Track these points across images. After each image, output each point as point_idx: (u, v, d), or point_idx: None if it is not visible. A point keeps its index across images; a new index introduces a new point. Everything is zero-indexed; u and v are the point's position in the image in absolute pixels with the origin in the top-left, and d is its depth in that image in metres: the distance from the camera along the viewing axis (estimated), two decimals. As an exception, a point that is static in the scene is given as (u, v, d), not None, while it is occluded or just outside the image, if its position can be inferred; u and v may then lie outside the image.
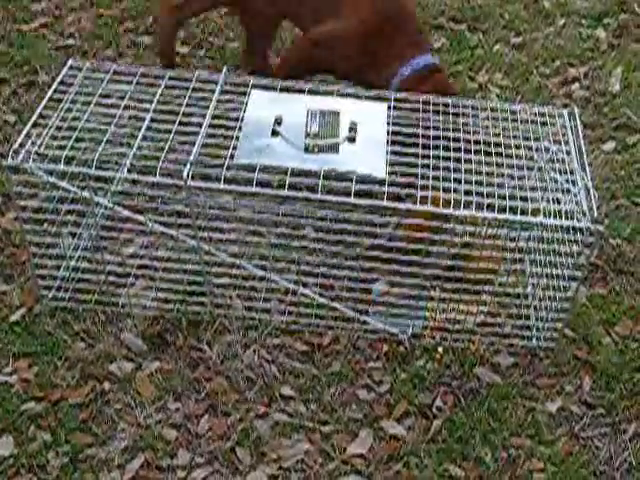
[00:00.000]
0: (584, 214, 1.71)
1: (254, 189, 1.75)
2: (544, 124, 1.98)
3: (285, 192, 1.74)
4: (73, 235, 2.08)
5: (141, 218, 1.95)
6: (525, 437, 1.81)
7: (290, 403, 1.86)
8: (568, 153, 1.89)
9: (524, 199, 1.76)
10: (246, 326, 2.00)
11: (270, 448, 1.77)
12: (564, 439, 1.81)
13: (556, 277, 1.89)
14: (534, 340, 1.98)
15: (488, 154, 1.87)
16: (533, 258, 2.09)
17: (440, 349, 1.96)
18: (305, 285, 2.04)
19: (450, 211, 1.73)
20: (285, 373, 1.92)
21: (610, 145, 2.60)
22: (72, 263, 2.05)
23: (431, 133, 1.92)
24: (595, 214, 1.72)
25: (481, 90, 2.79)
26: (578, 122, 1.98)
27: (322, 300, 2.00)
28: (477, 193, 1.75)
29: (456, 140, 1.90)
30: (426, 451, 1.77)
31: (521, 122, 2.00)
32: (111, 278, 2.02)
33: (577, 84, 2.86)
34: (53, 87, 1.98)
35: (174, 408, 1.85)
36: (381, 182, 1.76)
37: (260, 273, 2.01)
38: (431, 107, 1.99)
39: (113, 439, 1.79)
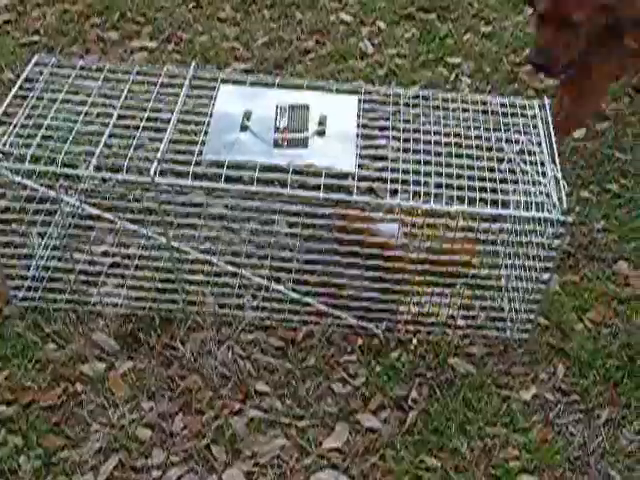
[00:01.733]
0: (554, 205, 1.71)
1: (223, 185, 1.73)
2: (514, 115, 1.98)
3: (254, 187, 1.73)
4: (42, 235, 2.05)
5: (110, 216, 1.92)
6: (500, 426, 1.81)
7: (265, 399, 1.85)
8: (539, 144, 1.89)
9: (494, 191, 1.76)
10: (219, 323, 1.99)
11: (246, 445, 1.76)
12: (539, 426, 1.82)
13: (529, 268, 1.90)
14: (508, 331, 1.98)
15: (458, 146, 1.87)
16: (506, 249, 2.09)
17: (414, 341, 1.96)
18: (278, 280, 2.03)
19: (421, 205, 1.73)
20: (260, 369, 1.91)
21: (580, 132, 2.61)
22: (42, 263, 2.03)
23: (401, 126, 1.91)
24: (565, 205, 1.72)
25: (452, 80, 2.79)
26: (548, 113, 1.98)
27: (295, 295, 1.99)
28: (447, 185, 1.75)
29: (426, 132, 1.90)
30: (402, 443, 1.77)
31: (492, 113, 1.99)
32: (82, 277, 1.99)
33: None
34: (18, 84, 1.95)
35: (148, 407, 1.83)
36: (350, 175, 1.75)
37: (232, 269, 1.99)
38: (401, 100, 1.99)
39: (86, 441, 1.77)
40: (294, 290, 2.00)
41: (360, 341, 1.97)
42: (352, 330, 1.99)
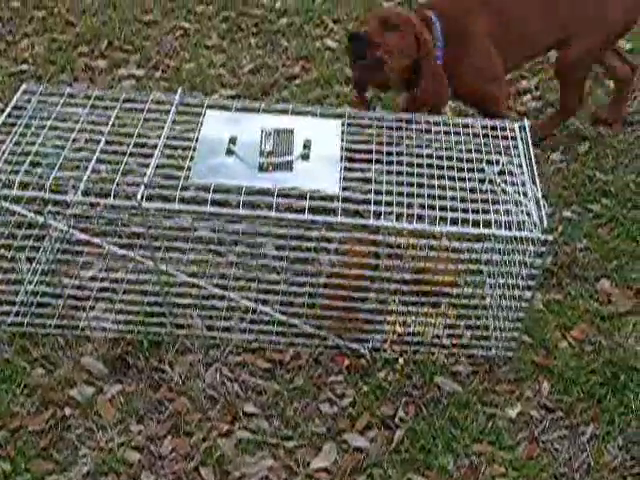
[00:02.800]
0: (534, 225, 1.75)
1: (209, 209, 1.76)
2: (495, 137, 2.02)
3: (240, 211, 1.76)
4: (31, 260, 2.07)
5: (97, 241, 1.95)
6: (486, 443, 1.83)
7: (253, 420, 1.87)
8: (519, 165, 1.93)
9: (476, 211, 1.79)
10: (207, 345, 2.00)
11: (234, 466, 1.77)
12: (524, 443, 1.84)
13: (512, 287, 1.93)
14: (493, 350, 2.01)
15: (441, 168, 1.91)
16: (489, 269, 2.12)
17: (401, 360, 1.98)
18: (266, 303, 2.05)
19: (405, 225, 1.76)
20: (247, 390, 1.93)
21: (561, 154, 2.66)
22: (30, 288, 2.04)
23: (384, 149, 1.95)
24: (545, 224, 1.75)
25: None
26: (529, 134, 2.02)
27: (282, 317, 2.01)
28: (430, 206, 1.78)
29: (409, 155, 1.93)
30: (389, 462, 1.79)
31: (473, 135, 2.04)
32: (70, 302, 2.01)
33: (529, 95, 2.92)
34: (6, 111, 1.98)
35: (136, 430, 1.84)
36: (334, 198, 1.78)
37: (220, 292, 2.01)
38: (384, 123, 2.03)
39: (75, 465, 1.77)
40: (281, 312, 2.02)
41: (347, 362, 1.99)
42: (339, 351, 2.01)
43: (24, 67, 2.94)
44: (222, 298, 2.04)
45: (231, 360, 1.98)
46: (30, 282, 2.05)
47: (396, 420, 1.87)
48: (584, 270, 2.26)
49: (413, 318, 2.02)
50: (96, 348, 1.99)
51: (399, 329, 2.02)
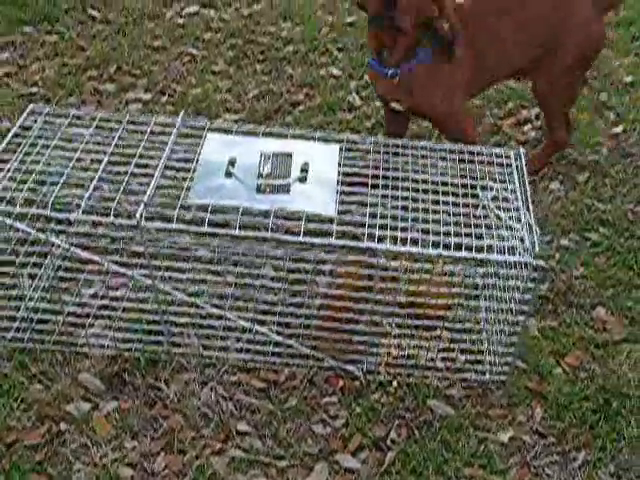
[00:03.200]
0: (527, 250, 1.77)
1: (206, 229, 1.80)
2: (491, 163, 2.05)
3: (237, 231, 1.79)
4: (32, 276, 2.11)
5: (97, 259, 1.98)
6: (478, 467, 1.84)
7: (246, 439, 1.88)
8: (513, 192, 1.96)
9: (470, 236, 1.82)
10: (204, 364, 2.03)
11: (226, 484, 1.79)
12: (516, 468, 1.85)
13: (506, 311, 1.95)
14: (487, 374, 2.02)
15: (436, 193, 1.94)
16: (483, 293, 2.14)
17: (395, 383, 2.00)
18: (262, 323, 2.08)
19: (400, 248, 1.78)
20: (242, 409, 1.94)
21: (560, 183, 2.68)
22: (31, 304, 2.07)
23: (381, 173, 1.98)
24: (537, 249, 1.78)
25: (436, 133, 2.88)
26: (523, 162, 2.05)
27: (278, 338, 2.03)
28: (425, 230, 1.81)
29: (405, 179, 1.97)
30: (380, 483, 1.80)
31: (469, 162, 2.07)
32: (70, 319, 2.04)
33: (529, 125, 2.96)
34: (13, 131, 2.02)
35: (130, 447, 1.86)
36: (330, 220, 1.81)
37: (217, 312, 2.04)
38: (382, 148, 2.06)
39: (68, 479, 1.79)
40: (278, 333, 2.05)
41: (341, 383, 2.00)
42: (334, 372, 2.02)
43: (34, 89, 3.00)
44: (219, 318, 2.06)
45: (226, 379, 2.00)
46: (31, 299, 2.08)
47: (388, 442, 1.88)
48: (580, 297, 2.28)
49: (408, 341, 2.04)
50: (94, 365, 2.01)
51: (394, 352, 2.04)
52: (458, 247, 1.79)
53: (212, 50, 3.30)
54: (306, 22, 3.48)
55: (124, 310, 2.07)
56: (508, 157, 2.04)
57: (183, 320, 2.05)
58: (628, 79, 3.19)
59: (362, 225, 1.83)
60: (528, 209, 1.89)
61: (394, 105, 2.38)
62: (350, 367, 2.01)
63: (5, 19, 3.38)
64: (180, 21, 3.48)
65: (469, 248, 1.78)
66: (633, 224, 2.53)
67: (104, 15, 3.48)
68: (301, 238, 1.78)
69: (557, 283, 2.31)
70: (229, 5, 3.62)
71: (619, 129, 2.94)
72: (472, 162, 2.05)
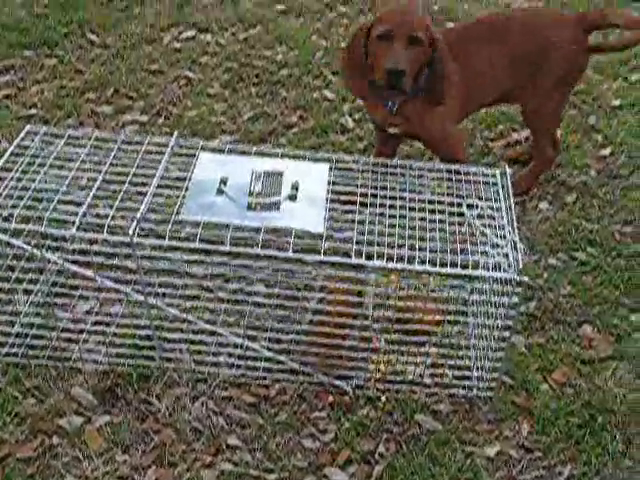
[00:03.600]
0: (510, 266, 1.81)
1: (198, 245, 1.84)
2: (477, 182, 2.10)
3: (228, 248, 1.83)
4: (27, 292, 2.14)
5: (90, 274, 2.02)
6: (464, 481, 1.87)
7: (236, 453, 1.91)
8: (498, 209, 2.01)
9: (455, 252, 1.86)
10: (195, 379, 2.06)
11: (215, 497, 1.81)
12: (502, 482, 1.88)
13: (493, 327, 1.98)
14: (474, 390, 2.05)
15: (422, 211, 1.98)
16: (470, 309, 2.18)
17: (383, 398, 2.03)
18: (254, 339, 2.11)
19: (387, 265, 1.82)
20: (232, 424, 1.97)
21: (549, 203, 2.73)
22: (26, 320, 2.11)
23: (369, 192, 2.03)
24: (520, 266, 1.82)
25: (428, 154, 2.93)
26: (509, 180, 2.10)
27: (269, 354, 2.06)
28: (411, 247, 1.85)
29: (393, 198, 2.01)
30: (368, 497, 1.82)
31: (457, 181, 2.11)
32: (63, 335, 2.07)
33: (519, 148, 3.01)
34: (10, 150, 2.07)
35: (122, 460, 1.89)
36: (320, 237, 1.85)
37: (209, 328, 2.07)
38: (371, 168, 2.11)
39: (60, 492, 1.82)
40: (268, 349, 2.08)
41: (331, 398, 2.03)
42: (323, 388, 2.05)
43: (33, 111, 3.05)
44: (211, 334, 2.09)
45: (217, 394, 2.03)
46: (26, 314, 2.12)
47: (376, 456, 1.91)
48: (567, 315, 2.31)
49: (397, 357, 2.07)
50: (86, 379, 2.04)
51: (383, 368, 2.07)
52: (444, 264, 1.82)
53: (208, 73, 3.36)
54: (300, 46, 3.55)
55: (117, 326, 2.10)
56: (494, 176, 2.09)
57: (175, 336, 2.08)
58: (616, 102, 3.25)
59: (351, 242, 1.87)
60: (513, 227, 1.93)
61: (391, 130, 2.43)
62: (339, 382, 2.04)
63: (5, 43, 3.44)
64: (177, 45, 3.55)
65: (455, 264, 1.82)
66: (620, 244, 2.57)
67: (103, 39, 3.55)
68: (291, 254, 1.82)
69: (544, 301, 2.34)
70: (225, 30, 3.68)
71: (607, 151, 2.99)
72: (459, 181, 2.09)
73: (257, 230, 1.88)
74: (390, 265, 1.82)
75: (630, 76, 3.46)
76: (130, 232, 1.81)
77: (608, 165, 2.93)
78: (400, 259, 1.83)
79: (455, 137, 2.48)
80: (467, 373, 2.07)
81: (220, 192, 1.95)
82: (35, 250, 1.90)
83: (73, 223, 1.87)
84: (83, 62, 3.38)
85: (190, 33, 3.64)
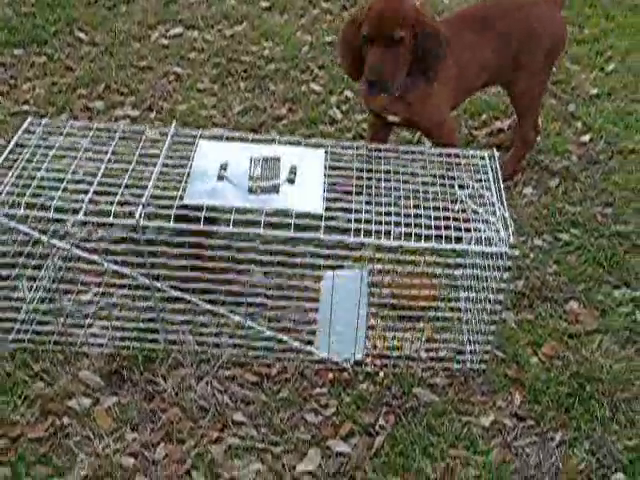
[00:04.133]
0: (501, 240, 1.90)
1: (202, 227, 1.90)
2: (467, 164, 2.18)
3: (231, 228, 1.90)
4: (34, 278, 2.19)
5: (96, 258, 2.07)
6: (461, 448, 1.94)
7: (242, 428, 1.98)
8: (488, 189, 2.09)
9: (448, 228, 1.94)
10: (199, 360, 2.12)
11: (224, 469, 1.88)
12: (497, 449, 1.96)
13: (484, 300, 2.07)
14: (468, 363, 2.13)
15: (417, 191, 2.07)
16: (462, 283, 2.27)
17: (381, 374, 2.11)
18: (254, 319, 2.18)
19: (384, 242, 1.90)
20: (237, 401, 2.04)
21: (533, 188, 2.83)
22: (32, 306, 2.16)
23: (365, 175, 2.11)
24: (512, 240, 1.91)
25: (415, 143, 3.01)
26: (497, 163, 2.19)
27: (270, 333, 2.13)
28: (407, 224, 1.93)
29: (387, 180, 2.09)
30: (370, 466, 1.90)
31: (447, 164, 2.20)
32: (69, 320, 2.12)
33: (502, 135, 3.10)
34: (13, 141, 2.13)
35: (131, 438, 1.95)
36: (319, 217, 1.93)
37: (211, 308, 2.14)
38: (365, 152, 2.19)
39: (73, 469, 1.87)
40: (269, 328, 2.15)
41: (331, 375, 2.11)
42: (323, 365, 2.13)
43: (26, 107, 3.10)
44: (214, 315, 2.16)
45: (221, 374, 2.10)
46: (32, 300, 2.17)
47: (376, 427, 1.99)
48: (554, 292, 2.40)
49: (393, 333, 2.15)
50: (93, 363, 2.10)
51: (379, 344, 2.15)
52: (438, 240, 1.91)
53: (197, 69, 3.42)
54: (286, 42, 3.62)
55: (121, 309, 2.16)
56: (483, 158, 2.18)
57: (179, 318, 2.15)
58: (594, 91, 3.36)
59: (349, 221, 1.95)
60: (503, 204, 2.02)
61: (390, 117, 2.51)
62: (338, 359, 2.11)
63: (-6, 42, 3.49)
64: (165, 42, 3.61)
65: (449, 240, 1.91)
66: (602, 225, 2.67)
67: (91, 37, 3.60)
68: (292, 233, 1.89)
69: (532, 279, 2.44)
70: (211, 27, 3.75)
71: (587, 138, 3.10)
72: (450, 164, 2.18)
73: (258, 213, 1.95)
74: (387, 242, 1.90)
75: (606, 66, 3.57)
76: (137, 215, 1.87)
77: (588, 151, 3.03)
78: (397, 237, 1.91)
79: (450, 123, 2.57)
80: (461, 348, 2.15)
81: (221, 177, 2.02)
82: (43, 236, 1.95)
83: (79, 209, 1.93)
84: (73, 59, 3.43)
85: (177, 30, 3.70)
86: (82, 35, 3.61)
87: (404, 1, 2.29)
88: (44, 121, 2.22)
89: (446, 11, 3.89)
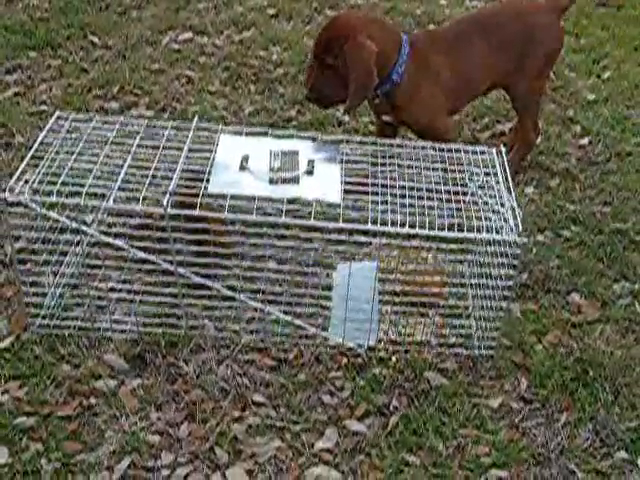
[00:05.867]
0: (511, 229, 2.01)
1: (227, 215, 2.00)
2: (477, 159, 2.29)
3: (254, 217, 2.00)
4: (60, 263, 2.28)
5: (121, 244, 2.16)
6: (472, 428, 2.04)
7: (262, 408, 2.06)
8: (497, 182, 2.20)
9: (461, 217, 2.04)
10: (219, 345, 2.21)
11: (246, 446, 1.97)
12: (505, 429, 2.05)
13: (493, 287, 2.17)
14: (476, 349, 2.23)
15: (430, 183, 2.17)
16: (472, 270, 2.37)
17: (394, 358, 2.20)
18: (273, 304, 2.27)
19: (399, 229, 2.00)
20: (256, 383, 2.13)
21: (534, 188, 2.94)
22: (58, 291, 2.25)
23: (379, 168, 2.21)
24: (520, 228, 2.01)
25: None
26: (504, 158, 2.30)
27: (287, 318, 2.22)
28: (421, 214, 2.04)
29: (402, 174, 2.20)
30: (385, 443, 1.99)
31: (457, 159, 2.31)
32: (94, 304, 2.21)
33: (504, 137, 3.22)
34: (43, 134, 2.22)
35: (156, 417, 2.03)
36: (337, 206, 2.03)
37: (231, 294, 2.23)
38: (379, 147, 2.30)
39: (101, 445, 1.96)
40: (286, 313, 2.24)
41: (345, 360, 2.20)
42: (338, 350, 2.22)
43: (43, 107, 3.19)
44: (232, 300, 2.25)
45: (241, 358, 2.19)
46: (58, 285, 2.26)
47: (390, 408, 2.08)
48: (556, 284, 2.51)
49: (404, 322, 2.25)
50: (117, 347, 2.19)
51: (391, 334, 2.24)
52: (451, 228, 2.01)
53: (207, 72, 3.53)
54: (293, 47, 3.74)
55: (144, 294, 2.24)
56: (491, 153, 2.29)
57: (199, 302, 2.23)
58: (591, 97, 3.49)
59: (365, 211, 2.05)
60: (511, 195, 2.12)
61: (386, 117, 2.65)
62: (352, 344, 2.21)
63: (11, 45, 3.58)
64: (176, 46, 3.71)
65: (461, 229, 2.01)
66: (601, 222, 2.78)
67: (104, 41, 3.70)
68: (312, 222, 1.99)
69: (535, 272, 2.54)
70: (221, 32, 3.86)
71: (585, 141, 3.22)
72: (460, 158, 2.28)
73: (279, 200, 2.05)
74: (404, 230, 2.00)
75: (602, 74, 3.70)
76: (164, 203, 1.97)
77: (587, 153, 3.15)
78: (411, 225, 2.01)
79: (444, 125, 2.69)
80: (469, 332, 2.25)
81: (243, 168, 2.12)
82: (73, 223, 2.04)
83: (109, 196, 2.02)
84: (87, 62, 3.53)
85: (187, 35, 3.81)
86: (95, 39, 3.71)
87: (346, 21, 2.46)
88: (72, 115, 2.31)
89: (447, 21, 4.02)
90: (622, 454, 2.00)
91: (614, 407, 2.11)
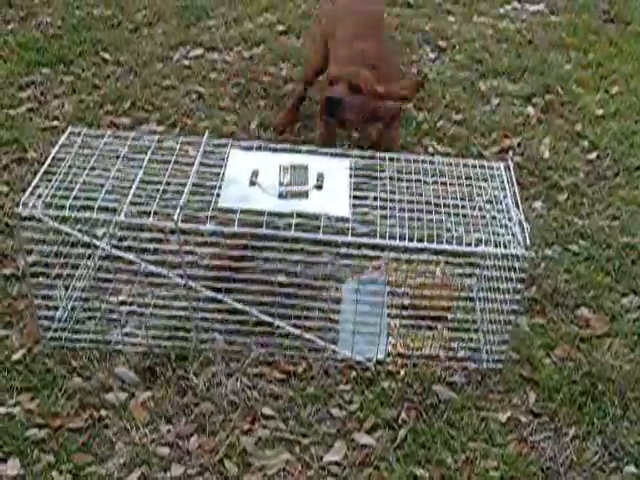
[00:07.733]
0: (519, 243, 2.02)
1: (236, 229, 2.02)
2: (484, 174, 2.31)
3: (263, 230, 2.02)
4: (71, 277, 2.30)
5: (132, 257, 2.19)
6: (480, 441, 2.04)
7: (271, 421, 2.08)
8: (505, 196, 2.22)
9: (469, 232, 2.06)
10: (228, 358, 2.23)
11: (255, 459, 1.98)
12: (514, 443, 2.06)
13: (500, 302, 2.18)
14: (484, 363, 2.24)
15: (438, 197, 2.19)
16: (480, 284, 2.38)
17: (402, 372, 2.21)
18: (282, 318, 2.28)
19: (408, 244, 2.02)
20: (265, 396, 2.14)
21: (542, 202, 2.95)
22: (70, 304, 2.27)
23: (388, 182, 2.23)
24: (528, 242, 2.02)
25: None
26: (512, 172, 2.32)
27: (296, 332, 2.24)
28: (430, 228, 2.05)
29: (411, 189, 2.22)
30: (394, 456, 2.00)
31: (465, 173, 2.32)
32: (105, 318, 2.23)
33: (512, 152, 3.23)
34: (56, 148, 2.25)
35: (166, 430, 2.05)
36: (346, 220, 2.05)
37: (241, 308, 2.24)
38: (387, 161, 2.31)
39: (112, 457, 1.97)
40: (295, 326, 2.26)
41: (354, 373, 2.21)
42: (347, 364, 2.23)
43: (55, 123, 3.23)
44: (243, 314, 2.26)
45: (250, 371, 2.20)
46: (69, 299, 2.28)
47: (399, 422, 2.09)
48: (565, 299, 2.51)
49: (413, 335, 2.26)
50: (128, 360, 2.21)
51: (400, 348, 2.25)
52: (460, 243, 2.03)
53: (218, 88, 3.56)
54: (302, 64, 3.76)
55: (154, 308, 2.26)
56: (499, 169, 2.30)
57: (209, 316, 2.25)
58: (599, 112, 3.50)
59: (374, 224, 2.07)
60: (519, 210, 2.14)
61: None
62: (361, 358, 2.22)
63: (24, 61, 3.63)
64: (186, 63, 3.75)
65: (468, 243, 2.02)
66: (609, 237, 2.78)
67: (115, 58, 3.74)
68: (321, 236, 2.01)
69: (544, 287, 2.55)
70: (231, 49, 3.89)
71: (593, 155, 3.23)
72: (468, 173, 2.30)
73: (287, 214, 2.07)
74: (412, 244, 2.01)
75: (610, 89, 3.71)
76: (175, 217, 1.99)
77: (595, 168, 3.16)
78: (420, 239, 2.03)
79: None
80: (478, 346, 2.26)
81: (252, 183, 2.14)
82: (85, 237, 2.07)
83: (120, 210, 2.05)
84: (99, 78, 3.57)
85: (198, 52, 3.84)
86: (107, 55, 3.75)
87: None
88: (84, 130, 2.34)
89: (454, 37, 4.05)
90: (631, 468, 2.01)
91: (623, 421, 2.12)
